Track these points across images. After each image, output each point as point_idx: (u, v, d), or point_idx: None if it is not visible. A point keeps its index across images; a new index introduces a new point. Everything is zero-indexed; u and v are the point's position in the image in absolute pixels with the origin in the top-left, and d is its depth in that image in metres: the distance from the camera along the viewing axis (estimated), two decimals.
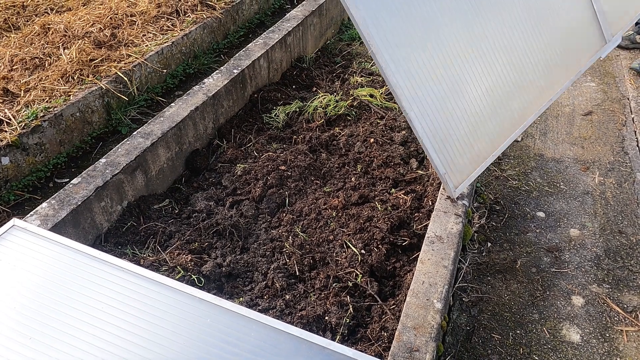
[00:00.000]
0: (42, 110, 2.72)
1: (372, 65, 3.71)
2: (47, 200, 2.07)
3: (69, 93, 2.91)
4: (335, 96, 3.20)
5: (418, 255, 1.96)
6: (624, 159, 2.86)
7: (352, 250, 2.13)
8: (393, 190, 2.51)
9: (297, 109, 3.12)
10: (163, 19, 3.78)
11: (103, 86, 3.00)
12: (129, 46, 3.40)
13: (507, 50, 2.23)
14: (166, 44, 3.47)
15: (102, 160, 2.33)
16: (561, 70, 2.40)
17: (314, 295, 1.99)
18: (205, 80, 2.97)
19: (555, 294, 2.12)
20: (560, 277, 2.19)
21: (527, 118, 2.30)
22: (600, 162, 2.84)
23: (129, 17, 3.70)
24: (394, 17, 1.94)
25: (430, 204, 2.35)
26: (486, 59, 2.17)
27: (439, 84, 2.05)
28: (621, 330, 1.97)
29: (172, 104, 2.74)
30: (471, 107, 2.13)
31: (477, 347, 1.93)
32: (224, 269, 2.07)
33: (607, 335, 1.96)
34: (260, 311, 1.62)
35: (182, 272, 2.04)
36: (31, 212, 2.02)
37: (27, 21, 3.77)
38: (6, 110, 2.69)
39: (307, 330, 1.55)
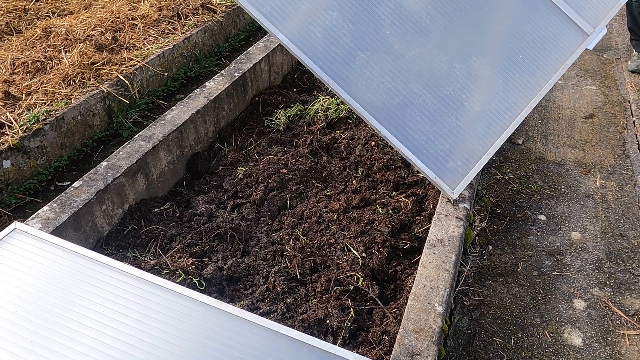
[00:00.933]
0: (43, 114, 2.72)
1: None
2: (49, 204, 2.08)
3: (71, 96, 2.91)
4: (336, 99, 3.20)
5: (419, 259, 1.96)
6: (625, 162, 2.86)
7: (353, 253, 2.13)
8: (394, 193, 2.51)
9: (298, 112, 3.12)
10: (164, 23, 3.79)
11: (104, 89, 3.00)
12: (130, 49, 3.41)
13: (486, 53, 2.31)
14: (167, 48, 3.48)
15: (104, 163, 2.33)
16: (543, 69, 2.40)
17: (315, 298, 1.98)
18: (207, 83, 2.97)
19: (556, 297, 2.12)
20: (562, 280, 2.19)
21: (517, 116, 2.29)
22: (601, 165, 2.84)
23: (131, 21, 3.70)
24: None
25: (432, 207, 2.35)
26: (467, 62, 2.26)
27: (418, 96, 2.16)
28: (623, 333, 1.97)
29: (174, 107, 2.74)
30: (455, 109, 2.18)
31: (479, 351, 1.93)
32: (225, 272, 2.07)
33: (609, 338, 1.95)
34: (261, 315, 1.62)
35: (183, 275, 2.04)
36: (32, 216, 2.03)
37: (29, 25, 3.78)
38: (8, 113, 2.69)
39: (308, 333, 1.54)
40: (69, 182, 2.69)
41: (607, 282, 2.17)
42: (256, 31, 4.46)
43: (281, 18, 2.11)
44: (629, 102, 3.37)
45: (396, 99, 2.14)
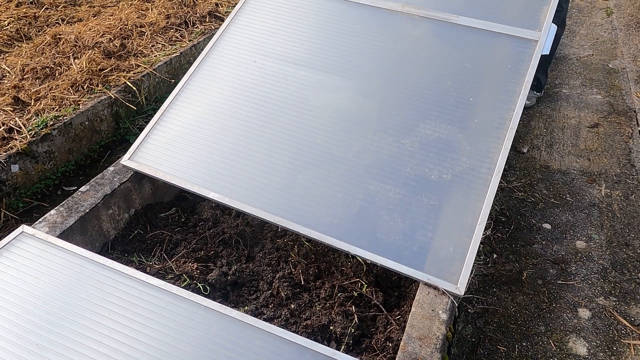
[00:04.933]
0: (52, 119, 2.75)
1: None
2: (56, 208, 2.09)
3: (79, 102, 2.95)
4: None
5: None
6: (631, 171, 2.85)
7: (358, 259, 2.14)
8: None
9: None
10: (172, 30, 3.83)
11: (112, 95, 3.03)
12: (138, 56, 3.45)
13: (432, 114, 2.11)
14: (174, 55, 3.51)
15: (111, 168, 2.35)
16: (502, 99, 2.11)
17: (319, 304, 1.99)
18: None
19: (561, 306, 2.11)
20: (567, 289, 2.18)
21: (496, 162, 1.96)
22: (606, 175, 2.83)
23: (139, 28, 3.75)
24: None
25: None
26: (415, 132, 2.06)
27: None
28: (628, 343, 1.95)
29: None
30: (423, 188, 1.94)
31: (483, 359, 1.92)
32: (229, 277, 2.08)
33: (614, 348, 1.94)
34: (265, 320, 1.62)
35: (187, 280, 2.05)
36: (40, 219, 2.04)
37: (39, 31, 3.82)
38: (17, 118, 2.73)
39: (312, 339, 1.55)
40: (75, 187, 2.72)
41: (613, 292, 2.16)
42: None
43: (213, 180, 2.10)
44: (635, 111, 3.36)
45: (354, 206, 1.90)
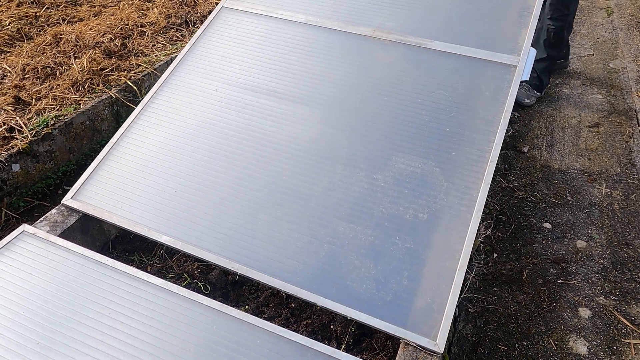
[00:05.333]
0: (52, 119, 2.76)
1: None
2: (57, 207, 2.10)
3: (80, 101, 2.95)
4: None
5: None
6: (631, 170, 2.85)
7: None
8: None
9: None
10: (172, 30, 3.83)
11: (113, 95, 3.04)
12: (138, 56, 3.45)
13: (405, 146, 1.99)
14: (175, 54, 3.51)
15: None
16: (481, 130, 2.00)
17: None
18: None
19: (561, 305, 2.11)
20: (567, 288, 2.18)
21: (476, 199, 1.82)
22: (607, 174, 2.83)
23: (139, 28, 3.75)
24: None
25: None
26: (388, 167, 1.93)
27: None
28: (629, 343, 1.96)
29: None
30: (397, 229, 1.77)
31: (483, 358, 1.92)
32: (230, 276, 2.08)
33: (615, 347, 1.94)
34: (265, 319, 1.63)
35: (188, 279, 2.05)
36: (41, 219, 2.05)
37: (40, 31, 3.83)
38: (18, 118, 2.73)
39: (312, 338, 1.55)
40: None
41: (613, 291, 2.16)
42: None
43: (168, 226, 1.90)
44: (635, 111, 3.36)
45: (321, 250, 1.74)
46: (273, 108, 2.20)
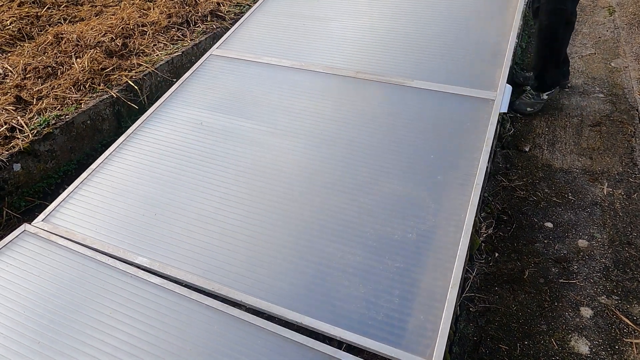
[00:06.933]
0: (53, 118, 2.76)
1: None
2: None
3: (81, 101, 2.95)
4: None
5: None
6: (633, 170, 2.84)
7: None
8: None
9: None
10: (173, 29, 3.83)
11: (114, 95, 3.04)
12: (139, 55, 3.45)
13: (392, 172, 2.04)
14: (176, 54, 3.52)
15: None
16: (465, 156, 2.07)
17: None
18: None
19: (563, 305, 2.11)
20: (569, 288, 2.18)
21: (463, 224, 1.81)
22: (609, 173, 2.83)
23: (140, 27, 3.75)
24: None
25: None
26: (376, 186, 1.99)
27: None
28: (631, 342, 1.95)
29: None
30: (384, 250, 1.76)
31: (484, 358, 1.92)
32: None
33: (617, 347, 1.94)
34: (266, 319, 1.62)
35: None
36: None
37: (41, 31, 3.83)
38: (19, 117, 2.73)
39: (313, 338, 1.55)
40: None
41: (615, 290, 2.16)
42: None
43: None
44: (637, 110, 3.35)
45: (308, 270, 1.71)
46: (258, 139, 2.28)
